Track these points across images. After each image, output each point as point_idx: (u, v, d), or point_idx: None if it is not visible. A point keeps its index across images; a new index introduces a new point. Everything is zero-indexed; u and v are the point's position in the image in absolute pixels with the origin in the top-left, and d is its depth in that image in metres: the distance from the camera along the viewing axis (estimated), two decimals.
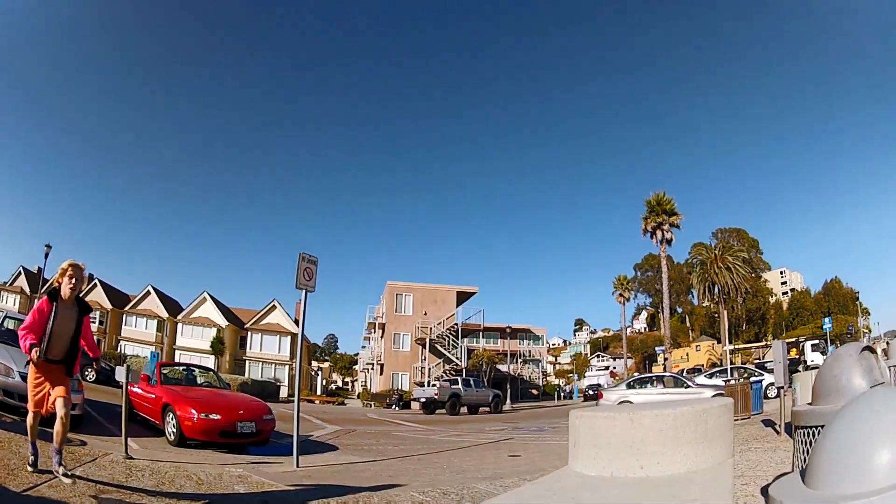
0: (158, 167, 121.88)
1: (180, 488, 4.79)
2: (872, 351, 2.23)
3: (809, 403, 2.15)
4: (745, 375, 19.56)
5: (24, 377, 5.54)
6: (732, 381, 14.06)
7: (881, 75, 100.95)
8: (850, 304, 76.18)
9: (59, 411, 4.17)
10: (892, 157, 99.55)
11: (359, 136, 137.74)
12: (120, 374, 6.69)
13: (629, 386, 16.77)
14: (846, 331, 47.93)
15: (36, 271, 40.40)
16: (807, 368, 26.91)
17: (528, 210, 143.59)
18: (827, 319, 28.93)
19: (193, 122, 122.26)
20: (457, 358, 37.62)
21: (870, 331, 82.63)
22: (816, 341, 30.63)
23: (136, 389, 8.97)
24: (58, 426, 4.17)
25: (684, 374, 30.51)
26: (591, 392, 37.41)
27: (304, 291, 7.44)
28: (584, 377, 61.87)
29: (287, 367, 44.30)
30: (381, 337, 43.94)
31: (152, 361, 11.87)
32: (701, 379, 21.17)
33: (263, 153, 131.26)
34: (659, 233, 38.26)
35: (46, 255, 26.96)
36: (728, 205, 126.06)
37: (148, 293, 44.94)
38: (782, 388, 7.79)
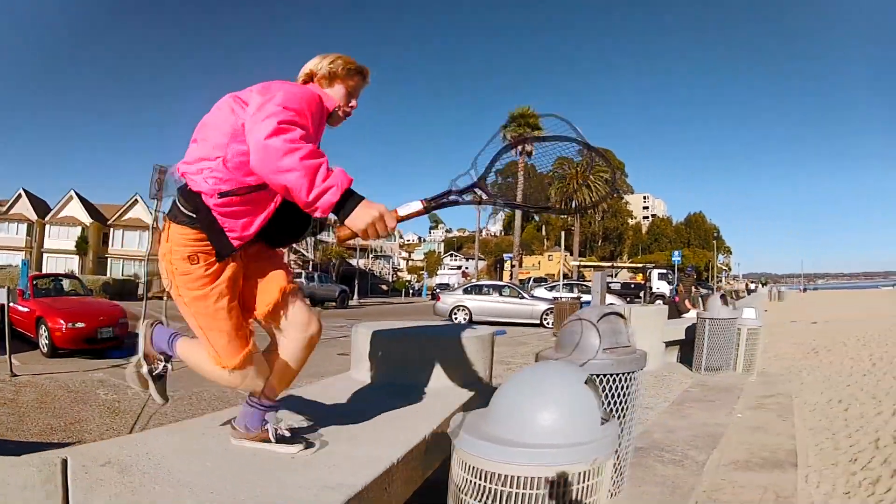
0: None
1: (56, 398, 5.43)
2: (622, 316, 2.65)
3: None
4: (586, 290, 20.65)
5: None
6: (562, 299, 15.35)
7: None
8: (711, 239, 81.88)
9: None
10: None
11: None
12: (2, 296, 7.11)
13: (466, 291, 16.78)
14: (696, 265, 51.43)
15: None
16: (652, 295, 28.92)
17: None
18: (676, 253, 31.54)
19: None
20: (304, 249, 36.71)
21: (729, 269, 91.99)
22: (664, 270, 32.85)
23: (14, 305, 8.95)
24: None
25: (531, 282, 32.43)
26: (437, 290, 37.92)
27: (155, 201, 7.98)
28: (436, 275, 61.35)
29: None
30: None
31: (24, 273, 11.69)
32: (540, 291, 22.21)
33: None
34: (519, 145, 40.70)
35: None
36: (608, 129, 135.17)
37: (19, 196, 40.39)
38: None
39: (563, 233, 41.23)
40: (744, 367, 6.93)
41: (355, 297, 30.69)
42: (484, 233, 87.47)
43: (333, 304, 25.52)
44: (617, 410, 2.53)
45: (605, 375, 2.48)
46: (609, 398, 2.50)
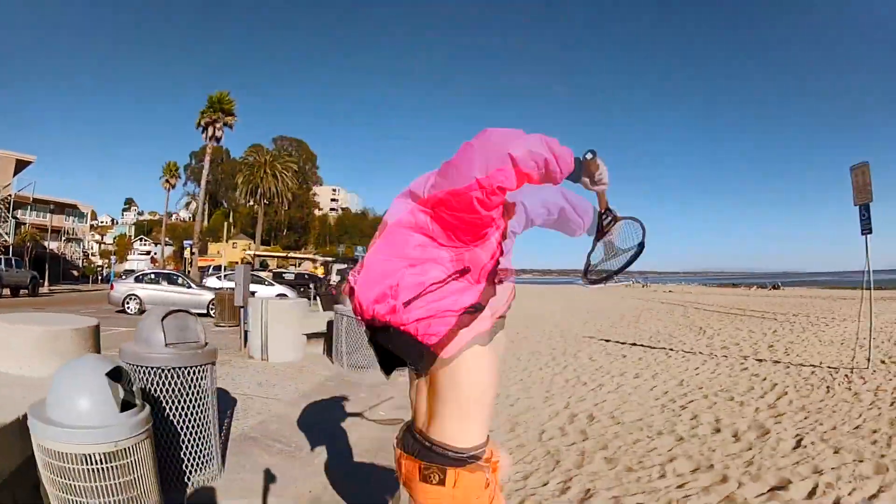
0: None
1: None
2: (190, 314, 2.86)
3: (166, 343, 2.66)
4: (263, 282, 20.69)
5: None
6: (225, 289, 15.22)
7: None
8: None
9: None
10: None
11: None
12: None
13: (137, 280, 16.79)
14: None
15: None
16: (327, 287, 30.08)
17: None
18: (360, 249, 33.81)
19: None
20: (6, 233, 31.88)
21: None
22: (344, 265, 34.97)
23: None
24: None
25: (210, 269, 30.78)
26: (123, 278, 35.14)
27: None
28: (126, 261, 58.78)
29: None
30: None
31: None
32: (212, 281, 21.88)
33: None
34: (211, 129, 39.01)
35: None
36: (315, 118, 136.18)
37: None
38: (242, 307, 7.75)
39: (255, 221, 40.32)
40: None
41: (45, 283, 28.71)
42: (174, 217, 78.25)
43: (27, 291, 24.14)
44: (184, 401, 2.72)
45: (170, 368, 2.66)
46: (175, 389, 2.69)
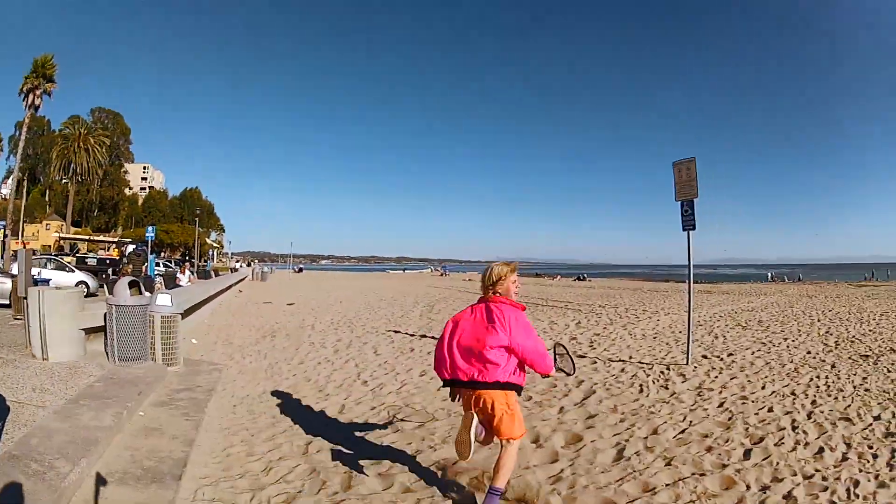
0: None
1: None
2: None
3: None
4: (64, 268, 18.54)
5: None
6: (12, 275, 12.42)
7: None
8: (207, 216, 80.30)
9: None
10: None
11: None
12: None
13: None
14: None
15: None
16: (122, 272, 27.31)
17: None
18: (150, 228, 29.79)
19: None
20: None
21: (221, 246, 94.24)
22: (134, 246, 31.05)
23: None
24: None
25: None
26: None
27: None
28: None
29: None
30: None
31: None
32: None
33: None
34: (32, 96, 34.58)
35: None
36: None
37: None
38: (24, 297, 6.72)
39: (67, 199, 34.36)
40: (164, 357, 6.38)
41: None
42: None
43: None
44: None
45: None
46: None
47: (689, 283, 7.21)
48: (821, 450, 3.47)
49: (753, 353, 7.43)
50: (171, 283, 17.61)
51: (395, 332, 10.23)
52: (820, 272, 75.96)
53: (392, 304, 17.20)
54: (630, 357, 7.21)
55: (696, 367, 6.43)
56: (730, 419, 4.21)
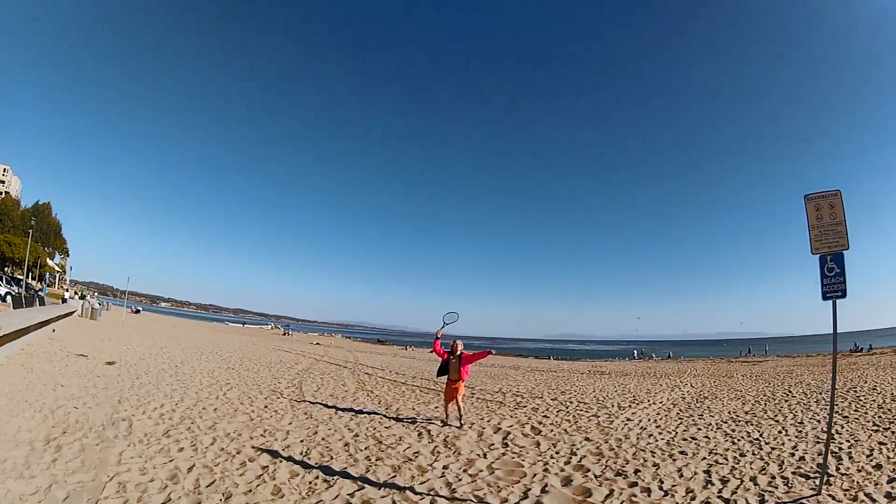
0: None
1: None
2: None
3: None
4: None
5: None
6: None
7: None
8: (53, 236, 73.72)
9: None
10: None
11: None
12: None
13: None
14: None
15: None
16: None
17: None
18: None
19: None
20: None
21: (63, 270, 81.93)
22: None
23: None
24: None
25: None
26: None
27: None
28: None
29: None
30: None
31: None
32: None
33: None
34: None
35: None
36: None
37: None
38: None
39: None
40: None
41: None
42: None
43: None
44: None
45: None
46: None
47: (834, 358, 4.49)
48: None
49: None
50: None
51: (264, 450, 6.61)
52: (674, 349, 76.46)
53: (245, 378, 13.73)
54: None
55: None
56: None
